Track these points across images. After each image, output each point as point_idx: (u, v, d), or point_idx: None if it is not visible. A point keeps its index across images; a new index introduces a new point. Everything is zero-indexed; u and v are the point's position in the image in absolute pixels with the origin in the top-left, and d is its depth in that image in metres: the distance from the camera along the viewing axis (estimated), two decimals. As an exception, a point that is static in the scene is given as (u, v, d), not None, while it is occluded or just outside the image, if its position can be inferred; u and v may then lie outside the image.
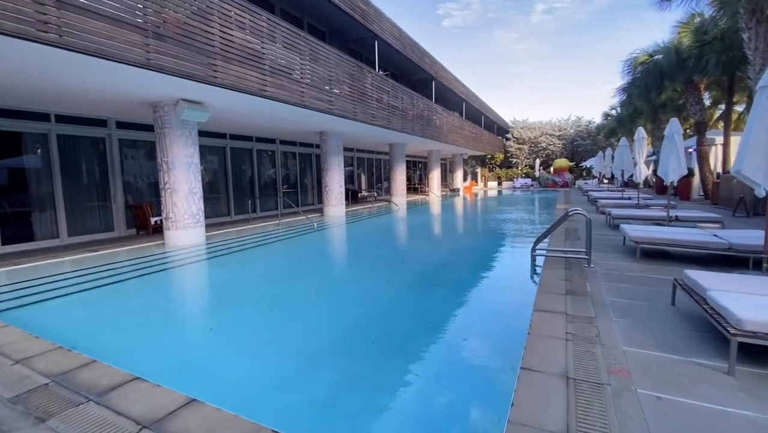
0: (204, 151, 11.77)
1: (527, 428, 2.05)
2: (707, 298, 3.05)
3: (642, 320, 3.51)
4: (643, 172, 12.04)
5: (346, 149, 18.38)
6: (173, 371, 3.27)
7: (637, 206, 11.54)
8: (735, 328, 2.55)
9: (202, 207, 8.56)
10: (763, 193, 4.56)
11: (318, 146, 15.75)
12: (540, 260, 6.07)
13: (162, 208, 8.20)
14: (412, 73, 18.38)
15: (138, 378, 2.75)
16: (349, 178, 19.88)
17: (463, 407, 2.83)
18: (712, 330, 3.15)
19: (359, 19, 11.99)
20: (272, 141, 14.61)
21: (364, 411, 2.78)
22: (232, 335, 4.09)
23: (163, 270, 6.73)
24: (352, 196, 18.67)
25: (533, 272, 5.90)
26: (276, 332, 4.18)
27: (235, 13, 7.23)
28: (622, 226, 6.81)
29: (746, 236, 5.51)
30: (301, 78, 9.08)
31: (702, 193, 16.30)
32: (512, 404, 2.24)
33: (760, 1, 9.19)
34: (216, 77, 6.91)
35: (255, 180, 13.83)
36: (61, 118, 8.39)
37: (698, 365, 2.67)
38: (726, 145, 15.70)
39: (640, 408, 2.19)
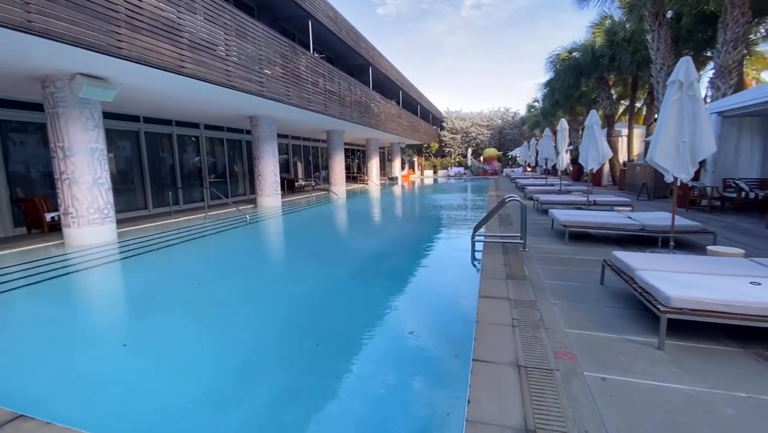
0: (113, 136, 10.34)
1: (486, 426, 1.95)
2: (636, 277, 3.24)
3: (578, 300, 3.66)
4: (565, 160, 13.01)
5: (280, 136, 17.44)
6: (72, 402, 2.71)
7: (560, 192, 12.47)
8: (664, 305, 2.71)
9: (111, 200, 7.47)
10: (671, 179, 5.04)
11: (249, 132, 14.70)
12: (479, 246, 6.20)
13: (59, 201, 6.99)
14: (348, 58, 17.87)
15: (22, 416, 2.20)
16: (285, 167, 18.96)
17: (418, 406, 2.70)
18: (639, 307, 3.37)
19: (291, -4, 11.24)
20: (195, 125, 13.30)
21: (310, 424, 2.53)
22: (151, 350, 3.54)
23: (63, 275, 5.73)
24: (288, 186, 17.85)
25: (473, 257, 6.01)
26: (205, 343, 3.71)
27: (144, -25, 6.27)
28: (551, 211, 7.23)
29: (655, 218, 6.13)
30: (227, 56, 8.25)
31: (611, 180, 18.17)
32: (469, 402, 2.14)
33: (662, 5, 10.24)
34: (121, 48, 5.95)
35: (176, 169, 12.52)
36: None
37: (632, 342, 2.81)
38: (630, 137, 17.61)
39: (590, 392, 2.21)
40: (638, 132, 18.10)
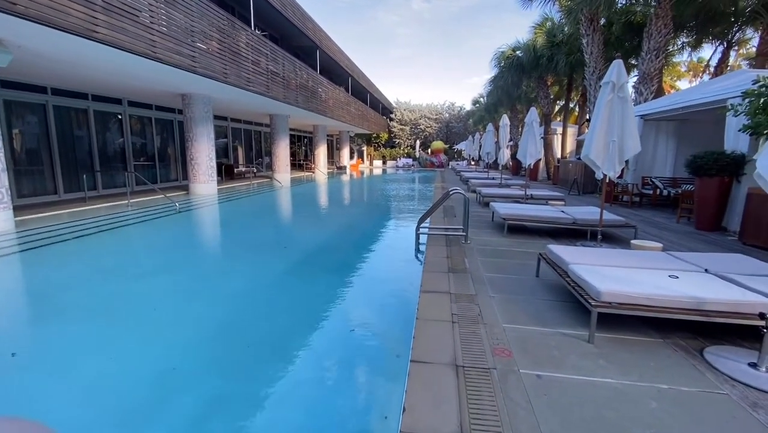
0: (13, 109, 8.92)
1: (421, 436, 1.83)
2: (569, 271, 3.32)
3: (515, 293, 3.71)
4: (506, 155, 13.52)
5: (218, 118, 16.26)
6: None
7: (500, 186, 12.95)
8: (595, 300, 2.78)
9: (7, 183, 6.41)
10: (601, 176, 5.32)
11: (181, 111, 13.50)
12: (423, 238, 6.17)
13: (-66, 183, 5.85)
14: (294, 38, 17.02)
15: None
16: (224, 152, 17.76)
17: (356, 412, 2.53)
18: (572, 299, 3.47)
19: (229, -35, 10.33)
20: (117, 101, 11.91)
21: (229, 440, 2.26)
22: (50, 361, 3.02)
23: (-65, 271, 4.80)
24: (226, 172, 16.76)
25: (417, 250, 5.96)
26: (120, 349, 3.25)
27: None
28: (492, 204, 7.41)
29: (585, 212, 6.49)
30: (152, 23, 7.36)
31: (546, 175, 19.30)
32: (404, 409, 2.01)
33: (596, 11, 10.86)
34: (15, 4, 5.02)
35: (94, 149, 11.14)
36: None
37: (565, 336, 2.86)
38: (564, 135, 18.78)
39: (525, 391, 2.18)
40: (571, 131, 19.34)
